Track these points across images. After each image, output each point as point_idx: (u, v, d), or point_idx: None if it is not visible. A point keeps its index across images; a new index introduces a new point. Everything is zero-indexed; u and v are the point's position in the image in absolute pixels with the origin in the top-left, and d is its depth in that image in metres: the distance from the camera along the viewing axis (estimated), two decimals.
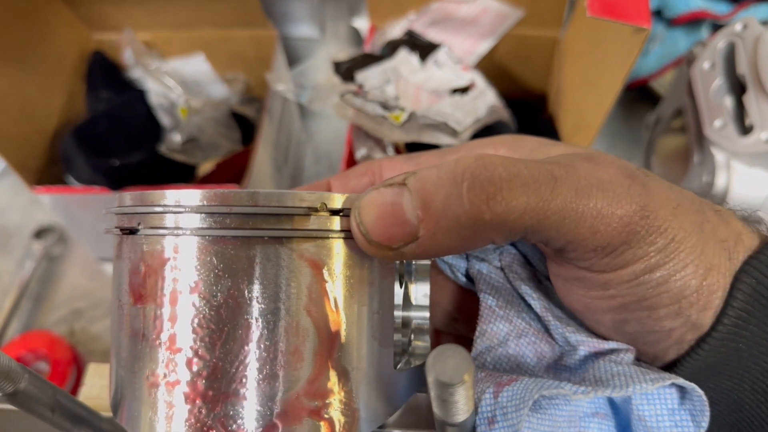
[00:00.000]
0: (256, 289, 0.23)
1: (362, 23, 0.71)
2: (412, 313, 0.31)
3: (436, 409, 0.22)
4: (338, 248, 0.24)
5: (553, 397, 0.24)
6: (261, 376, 0.23)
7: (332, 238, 0.23)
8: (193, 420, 0.23)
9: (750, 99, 0.50)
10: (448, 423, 0.22)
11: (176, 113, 0.59)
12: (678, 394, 0.24)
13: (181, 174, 0.57)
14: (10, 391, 0.25)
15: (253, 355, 0.23)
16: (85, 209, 0.56)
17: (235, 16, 0.62)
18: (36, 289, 0.70)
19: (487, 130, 0.57)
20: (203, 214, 0.23)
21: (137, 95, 0.62)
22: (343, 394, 0.24)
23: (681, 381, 0.23)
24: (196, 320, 0.23)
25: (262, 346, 0.23)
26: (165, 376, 0.23)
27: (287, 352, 0.23)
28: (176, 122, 0.59)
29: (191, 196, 0.23)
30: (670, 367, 0.25)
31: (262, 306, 0.23)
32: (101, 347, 0.65)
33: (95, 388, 0.40)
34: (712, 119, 0.53)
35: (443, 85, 0.61)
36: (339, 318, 0.24)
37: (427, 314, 0.30)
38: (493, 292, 0.28)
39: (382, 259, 0.25)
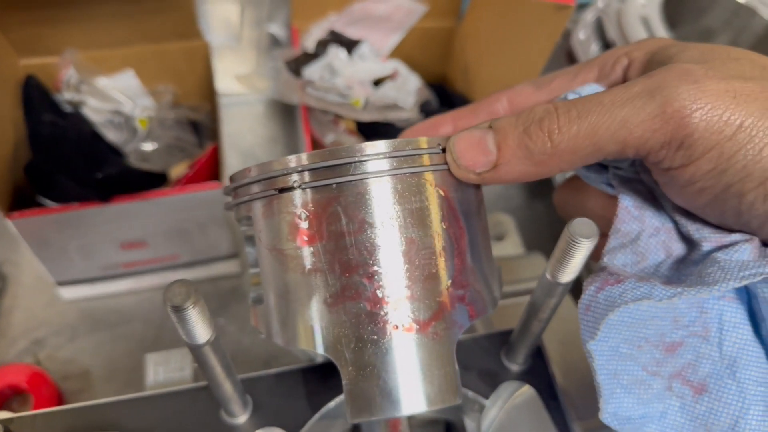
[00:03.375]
0: (408, 212, 0.29)
1: (277, 29, 0.77)
2: None
3: (552, 266, 0.30)
4: (455, 178, 0.31)
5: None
6: (425, 277, 0.29)
7: (449, 170, 0.31)
8: (381, 324, 0.28)
9: None
10: (558, 281, 0.31)
11: (134, 125, 0.61)
12: None
13: (154, 181, 0.60)
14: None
15: (416, 263, 0.28)
16: (61, 228, 0.57)
17: (170, 29, 0.66)
18: None
19: (420, 107, 0.67)
20: (357, 163, 0.29)
21: (79, 116, 0.63)
22: (476, 283, 0.31)
23: None
24: (366, 244, 0.29)
25: (421, 254, 0.29)
26: (345, 294, 0.29)
27: (438, 256, 0.30)
28: (134, 134, 0.61)
29: (350, 150, 0.29)
30: None
31: (415, 224, 0.29)
32: (77, 369, 0.65)
33: (160, 375, 0.43)
34: None
35: (371, 75, 0.69)
36: (464, 227, 0.31)
37: None
38: (630, 192, 0.30)
39: (468, 181, 0.30)
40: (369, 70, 0.68)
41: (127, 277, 0.67)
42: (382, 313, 0.29)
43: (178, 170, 0.61)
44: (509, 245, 0.58)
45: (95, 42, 0.64)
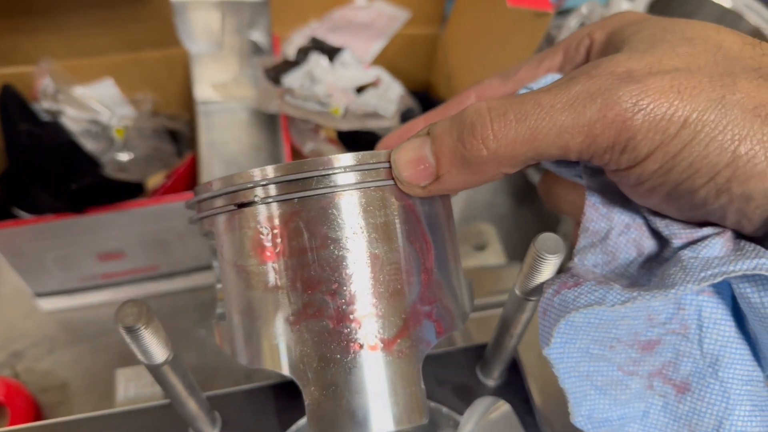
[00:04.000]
0: (372, 226, 0.28)
1: (259, 36, 0.77)
2: None
3: (521, 282, 0.29)
4: None
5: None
6: (389, 294, 0.29)
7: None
8: (345, 342, 0.28)
9: None
10: (526, 296, 0.30)
11: (111, 135, 0.60)
12: None
13: (130, 191, 0.59)
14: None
15: (381, 279, 0.28)
16: (37, 239, 0.56)
17: (149, 37, 0.65)
18: None
19: (401, 115, 0.66)
20: (320, 177, 0.28)
21: (56, 125, 0.62)
22: (443, 298, 0.30)
23: (742, 270, 0.23)
24: (329, 260, 0.28)
25: (385, 270, 0.29)
26: (307, 312, 0.28)
27: (403, 272, 0.29)
28: (111, 144, 0.60)
29: (313, 163, 0.28)
30: None
31: (379, 239, 0.29)
32: (55, 382, 0.64)
33: (131, 390, 0.42)
34: None
35: (352, 83, 0.68)
36: (431, 241, 0.31)
37: None
38: (599, 187, 0.29)
39: (415, 195, 0.29)
40: (351, 78, 0.68)
41: (106, 288, 0.66)
42: (345, 331, 0.28)
43: (155, 180, 0.60)
44: (491, 255, 0.57)
45: (73, 51, 0.63)
